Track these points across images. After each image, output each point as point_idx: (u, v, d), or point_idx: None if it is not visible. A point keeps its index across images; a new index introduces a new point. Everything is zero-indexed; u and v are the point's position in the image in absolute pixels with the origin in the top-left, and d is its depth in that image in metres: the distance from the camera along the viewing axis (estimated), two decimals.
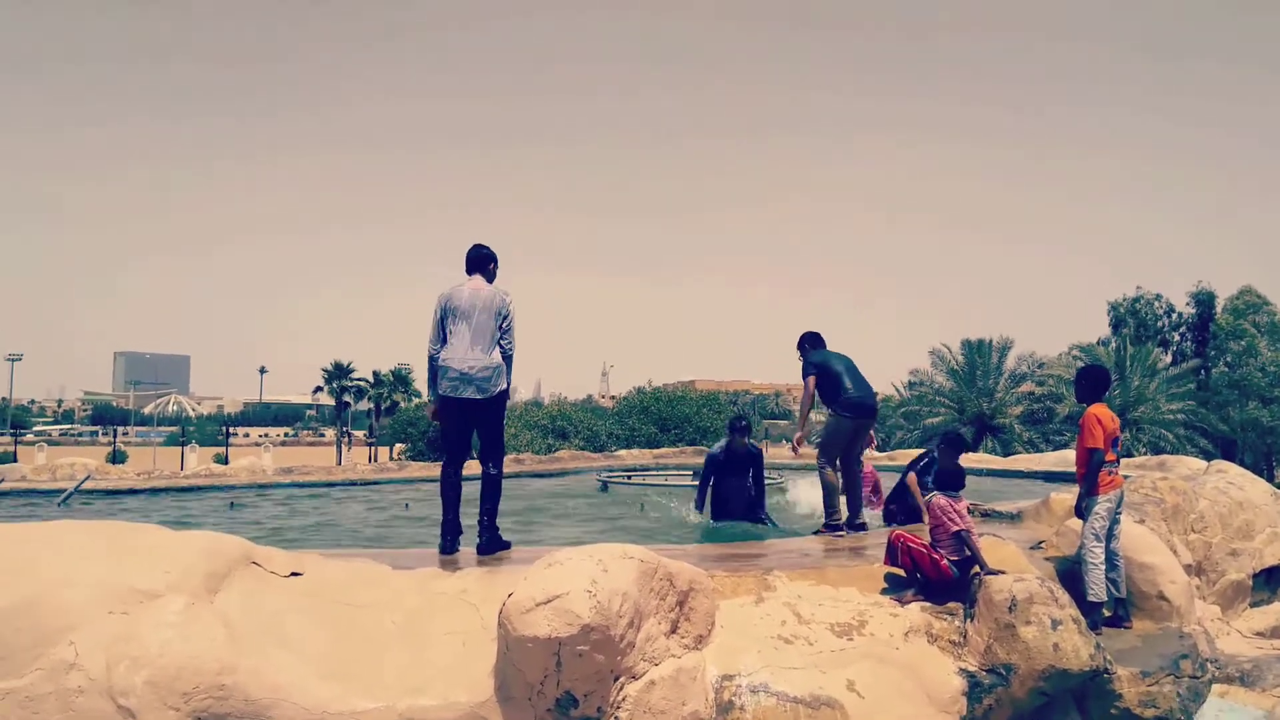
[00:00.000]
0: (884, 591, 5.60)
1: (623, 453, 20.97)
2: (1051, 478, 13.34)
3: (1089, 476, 5.95)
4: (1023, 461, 15.89)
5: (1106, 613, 5.92)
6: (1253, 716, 6.06)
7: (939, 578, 5.52)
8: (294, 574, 5.05)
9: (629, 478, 14.76)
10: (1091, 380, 6.38)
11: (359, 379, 69.24)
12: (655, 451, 20.55)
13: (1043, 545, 6.49)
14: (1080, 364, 38.53)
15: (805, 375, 7.99)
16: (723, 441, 9.59)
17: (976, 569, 5.49)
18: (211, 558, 4.74)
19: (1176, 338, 50.34)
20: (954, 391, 39.43)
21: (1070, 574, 6.00)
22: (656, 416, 36.80)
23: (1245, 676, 6.67)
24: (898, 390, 49.57)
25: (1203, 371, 46.70)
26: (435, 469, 15.54)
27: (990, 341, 39.51)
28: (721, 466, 9.47)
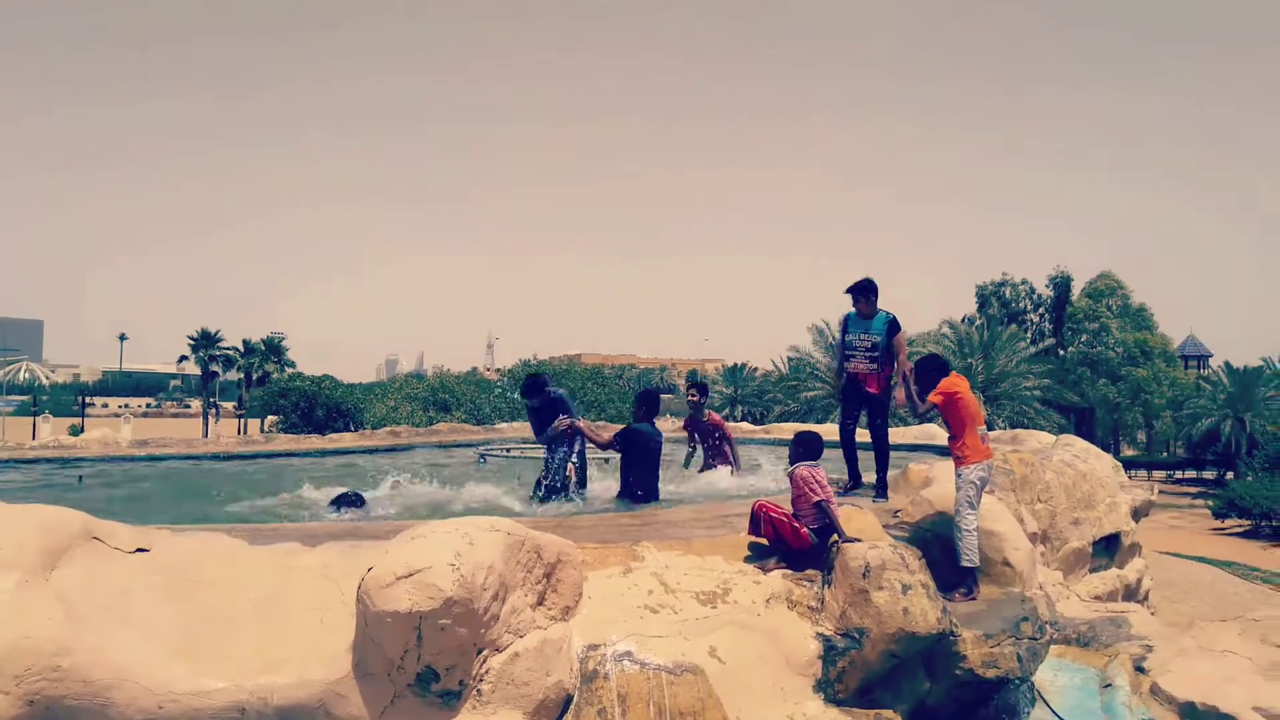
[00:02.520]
0: (748, 560, 5.74)
1: (503, 426, 20.78)
2: (916, 449, 13.89)
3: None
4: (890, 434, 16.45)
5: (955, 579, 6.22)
6: (1086, 675, 6.50)
7: (799, 546, 5.69)
8: (140, 550, 4.81)
9: (508, 451, 14.65)
10: (932, 368, 6.62)
11: (228, 348, 66.33)
12: (600, 423, 20.40)
13: (899, 514, 6.77)
14: (948, 341, 40.30)
15: None
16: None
17: (835, 537, 5.68)
18: (48, 533, 4.47)
19: (1035, 318, 53.17)
20: (830, 366, 40.62)
21: (924, 541, 6.28)
22: None
23: (1081, 638, 7.14)
24: (776, 365, 50.84)
25: (1059, 350, 49.55)
26: (305, 442, 15.11)
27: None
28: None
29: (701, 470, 10.04)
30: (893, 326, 7.64)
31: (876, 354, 7.63)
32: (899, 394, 7.37)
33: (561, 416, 8.69)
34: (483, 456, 13.39)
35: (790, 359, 45.95)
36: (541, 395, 8.94)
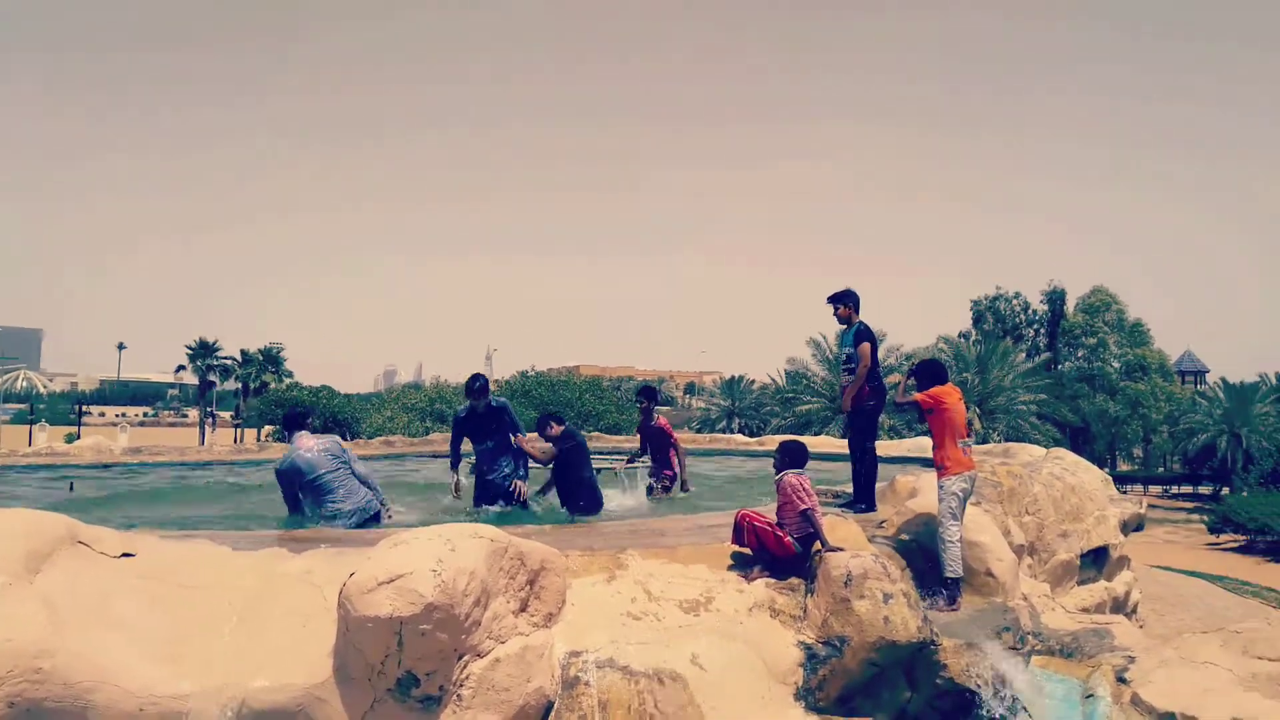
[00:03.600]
0: (731, 569, 5.77)
1: None
2: (907, 461, 13.93)
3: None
4: (881, 448, 16.46)
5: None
6: (1069, 685, 6.52)
7: (784, 554, 5.72)
8: (126, 555, 4.85)
9: None
10: (930, 371, 6.68)
11: (226, 357, 66.33)
12: (530, 436, 20.41)
13: (885, 524, 6.80)
14: (944, 356, 40.40)
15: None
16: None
17: (819, 545, 5.71)
18: (32, 537, 4.50)
19: (1031, 333, 53.25)
20: (827, 380, 40.68)
21: (908, 551, 6.32)
22: (539, 400, 36.67)
23: (1065, 648, 7.15)
24: (774, 378, 50.87)
25: (1054, 365, 49.61)
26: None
27: (875, 338, 40.90)
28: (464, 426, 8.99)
29: (651, 482, 10.14)
30: (859, 335, 7.66)
31: (853, 365, 7.67)
32: (846, 396, 7.58)
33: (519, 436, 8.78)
34: (474, 467, 13.38)
35: (788, 372, 46.01)
36: (483, 397, 8.79)
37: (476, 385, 8.82)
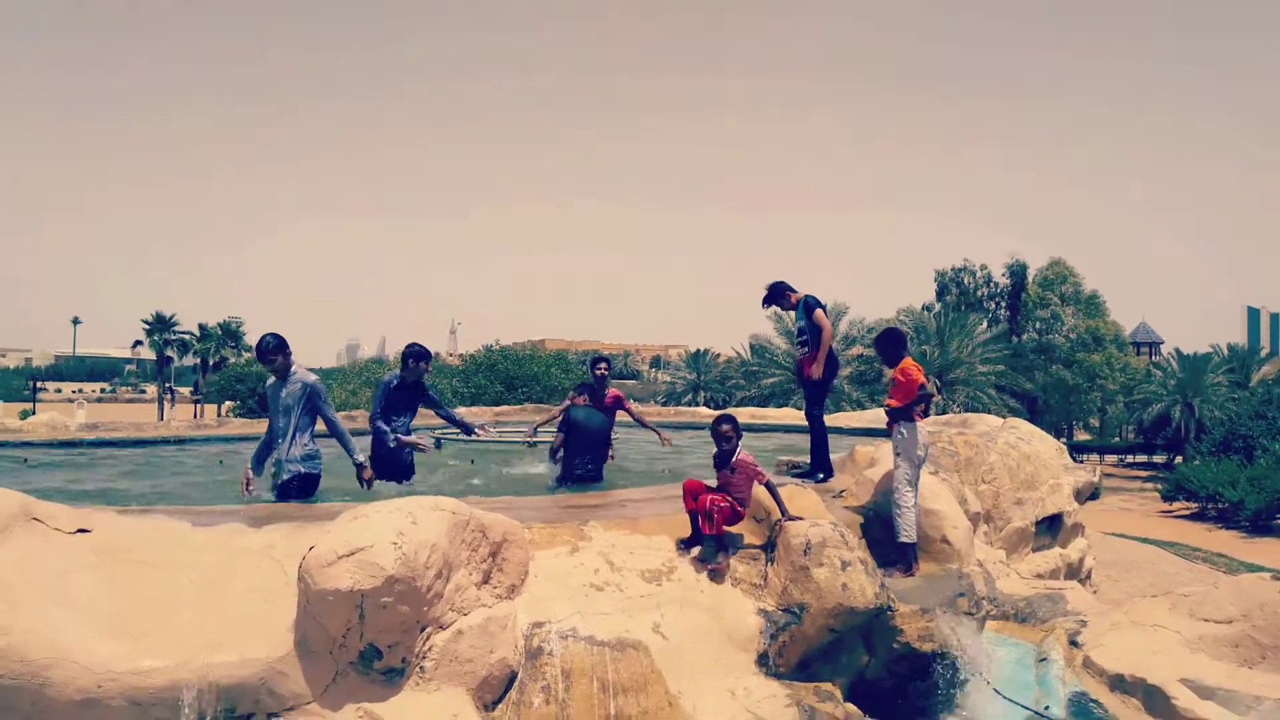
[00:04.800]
0: (700, 560, 5.73)
1: (462, 410, 20.72)
2: (871, 434, 14.10)
3: (915, 402, 6.42)
4: (843, 419, 16.70)
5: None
6: (1023, 649, 6.68)
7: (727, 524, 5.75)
8: (81, 530, 4.78)
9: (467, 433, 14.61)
10: (893, 341, 6.77)
11: (184, 332, 65.25)
12: (496, 409, 20.36)
13: (844, 494, 6.90)
14: (905, 328, 40.77)
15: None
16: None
17: (778, 515, 5.77)
18: None
19: (993, 306, 53.87)
20: (789, 353, 40.91)
21: (866, 520, 6.42)
22: (504, 375, 36.51)
23: (1019, 613, 7.33)
24: (738, 352, 51.10)
25: (1014, 337, 50.30)
26: (259, 426, 14.95)
27: (825, 306, 41.12)
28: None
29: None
30: (809, 306, 7.77)
31: (805, 338, 7.79)
32: (814, 369, 7.59)
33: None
34: (438, 440, 13.36)
35: (752, 345, 46.21)
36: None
37: (416, 350, 8.43)
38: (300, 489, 7.01)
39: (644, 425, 10.11)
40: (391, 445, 7.93)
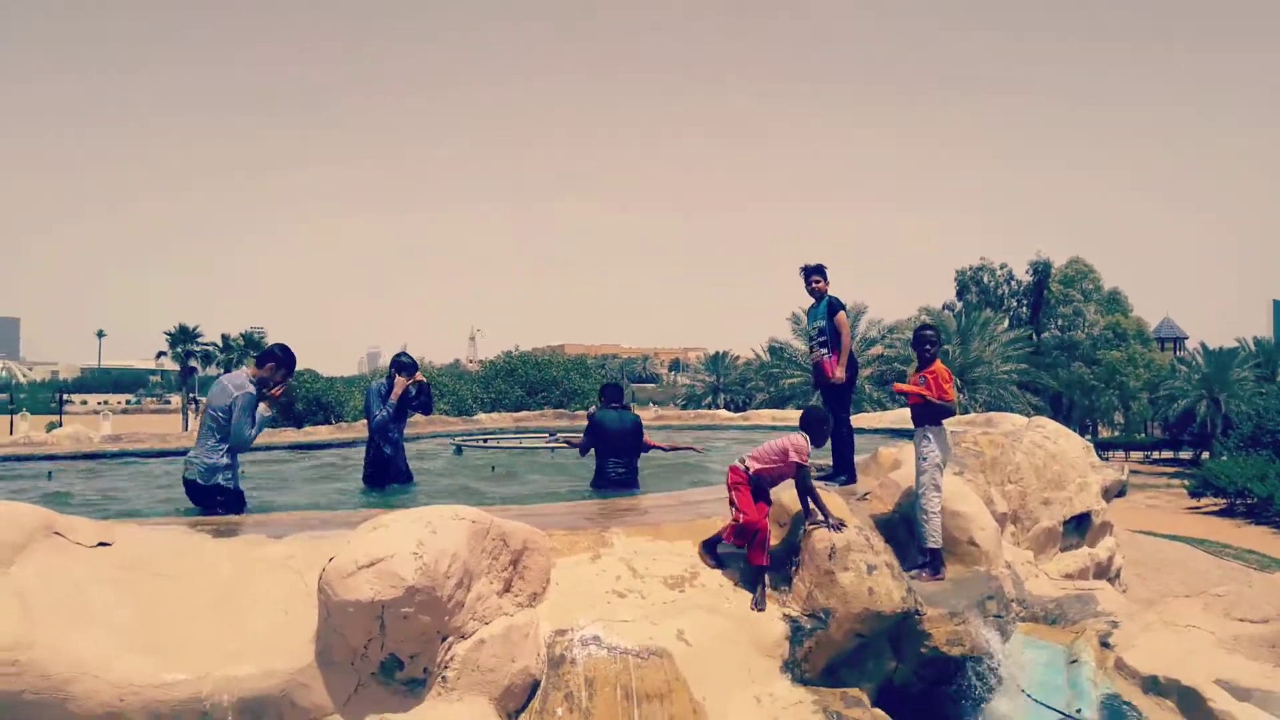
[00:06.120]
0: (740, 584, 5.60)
1: (482, 416, 20.72)
2: (894, 434, 13.97)
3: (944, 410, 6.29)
4: (866, 419, 16.58)
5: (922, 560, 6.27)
6: (1053, 651, 6.57)
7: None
8: (102, 544, 4.78)
9: (485, 441, 14.63)
10: (930, 340, 6.55)
11: (207, 343, 65.90)
12: (516, 415, 20.34)
13: (868, 496, 6.81)
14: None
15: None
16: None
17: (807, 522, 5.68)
18: (5, 528, 4.43)
19: (1015, 304, 53.48)
20: (808, 354, 40.77)
21: (890, 522, 6.33)
22: (524, 380, 36.56)
23: (1049, 615, 7.22)
24: (758, 354, 50.96)
25: (1035, 335, 49.90)
26: (279, 436, 15.02)
27: (847, 308, 40.91)
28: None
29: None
30: (832, 307, 7.68)
31: (825, 339, 7.69)
32: (838, 371, 7.47)
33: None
34: (458, 447, 13.37)
35: (771, 347, 46.06)
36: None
37: (407, 361, 8.73)
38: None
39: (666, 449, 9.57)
40: None
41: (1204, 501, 31.23)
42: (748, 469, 5.65)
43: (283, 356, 6.82)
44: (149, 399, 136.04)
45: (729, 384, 57.12)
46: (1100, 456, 11.54)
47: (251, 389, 6.55)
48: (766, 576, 5.45)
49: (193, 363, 66.34)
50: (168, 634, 4.33)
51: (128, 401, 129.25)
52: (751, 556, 5.46)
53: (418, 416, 10.37)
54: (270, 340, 64.45)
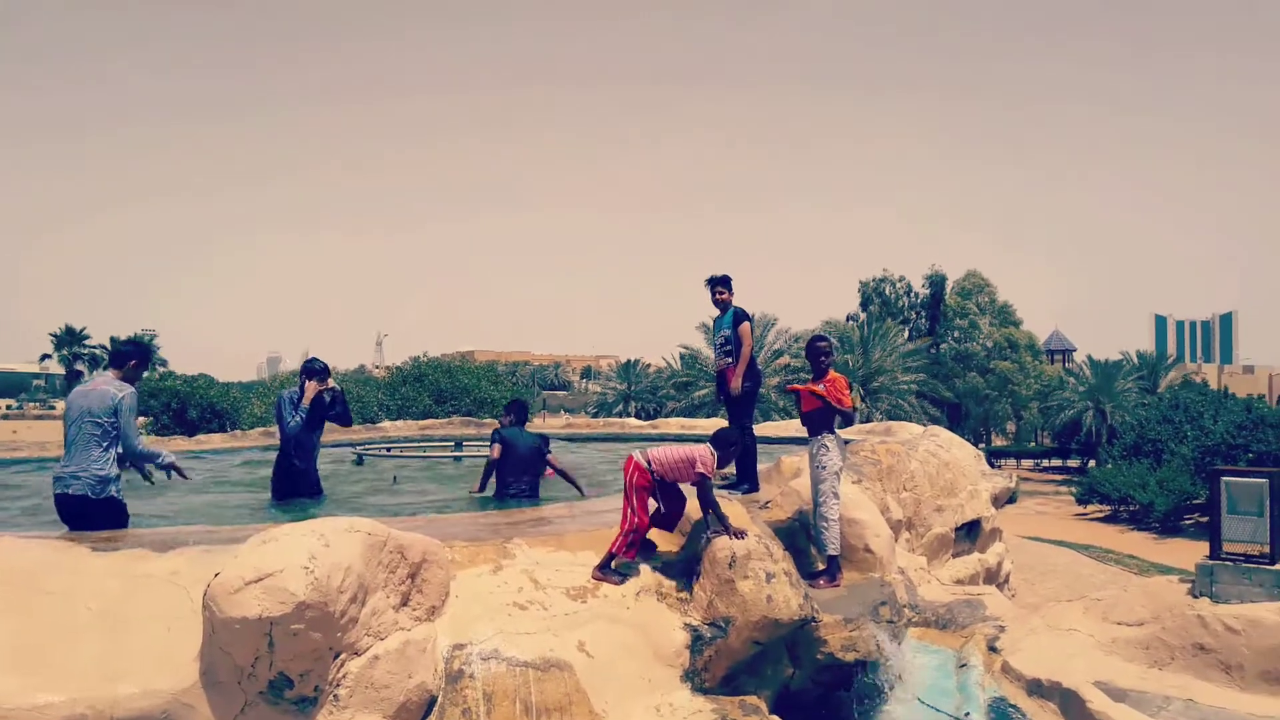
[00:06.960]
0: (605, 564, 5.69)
1: (386, 424, 20.29)
2: (799, 442, 14.18)
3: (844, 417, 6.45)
4: (771, 428, 16.86)
5: (820, 566, 6.41)
6: (943, 655, 6.77)
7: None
8: None
9: (388, 450, 14.33)
10: (823, 352, 6.70)
11: (95, 346, 62.89)
12: (422, 423, 19.99)
13: (769, 505, 6.92)
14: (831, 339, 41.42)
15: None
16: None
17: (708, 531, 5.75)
18: None
19: (914, 315, 55.14)
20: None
21: (790, 530, 6.45)
22: (433, 387, 35.88)
23: (940, 620, 7.43)
24: (669, 362, 51.29)
25: (935, 346, 51.56)
26: (169, 444, 14.44)
27: (753, 319, 41.52)
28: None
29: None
30: (737, 317, 7.80)
31: (730, 348, 7.80)
32: (735, 381, 7.58)
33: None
34: (360, 456, 13.06)
35: (683, 355, 46.41)
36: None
37: (319, 367, 8.40)
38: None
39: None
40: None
41: (1090, 508, 32.73)
42: (654, 472, 5.69)
43: (139, 350, 6.41)
44: (31, 404, 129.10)
45: (640, 392, 57.35)
46: (992, 464, 12.01)
47: (132, 389, 6.09)
48: (613, 563, 5.54)
49: (79, 366, 63.20)
50: (43, 653, 4.13)
51: (9, 407, 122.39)
52: (624, 550, 5.54)
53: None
54: (163, 343, 61.98)
